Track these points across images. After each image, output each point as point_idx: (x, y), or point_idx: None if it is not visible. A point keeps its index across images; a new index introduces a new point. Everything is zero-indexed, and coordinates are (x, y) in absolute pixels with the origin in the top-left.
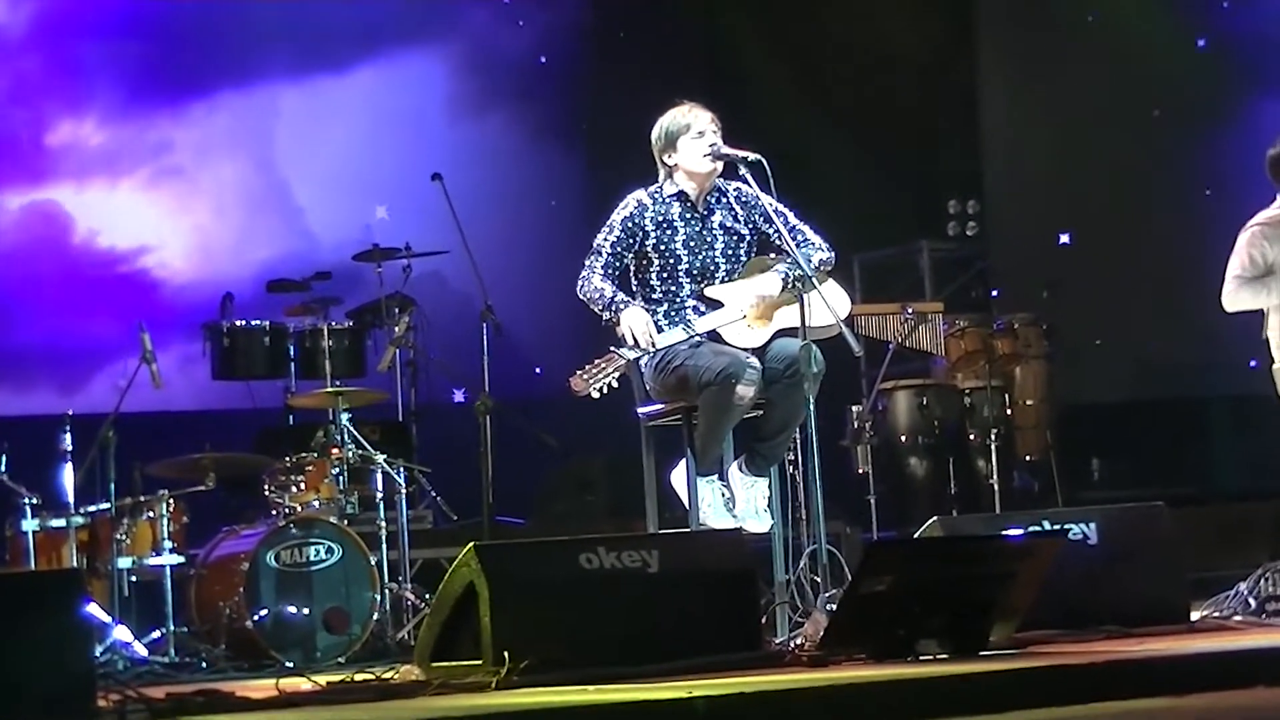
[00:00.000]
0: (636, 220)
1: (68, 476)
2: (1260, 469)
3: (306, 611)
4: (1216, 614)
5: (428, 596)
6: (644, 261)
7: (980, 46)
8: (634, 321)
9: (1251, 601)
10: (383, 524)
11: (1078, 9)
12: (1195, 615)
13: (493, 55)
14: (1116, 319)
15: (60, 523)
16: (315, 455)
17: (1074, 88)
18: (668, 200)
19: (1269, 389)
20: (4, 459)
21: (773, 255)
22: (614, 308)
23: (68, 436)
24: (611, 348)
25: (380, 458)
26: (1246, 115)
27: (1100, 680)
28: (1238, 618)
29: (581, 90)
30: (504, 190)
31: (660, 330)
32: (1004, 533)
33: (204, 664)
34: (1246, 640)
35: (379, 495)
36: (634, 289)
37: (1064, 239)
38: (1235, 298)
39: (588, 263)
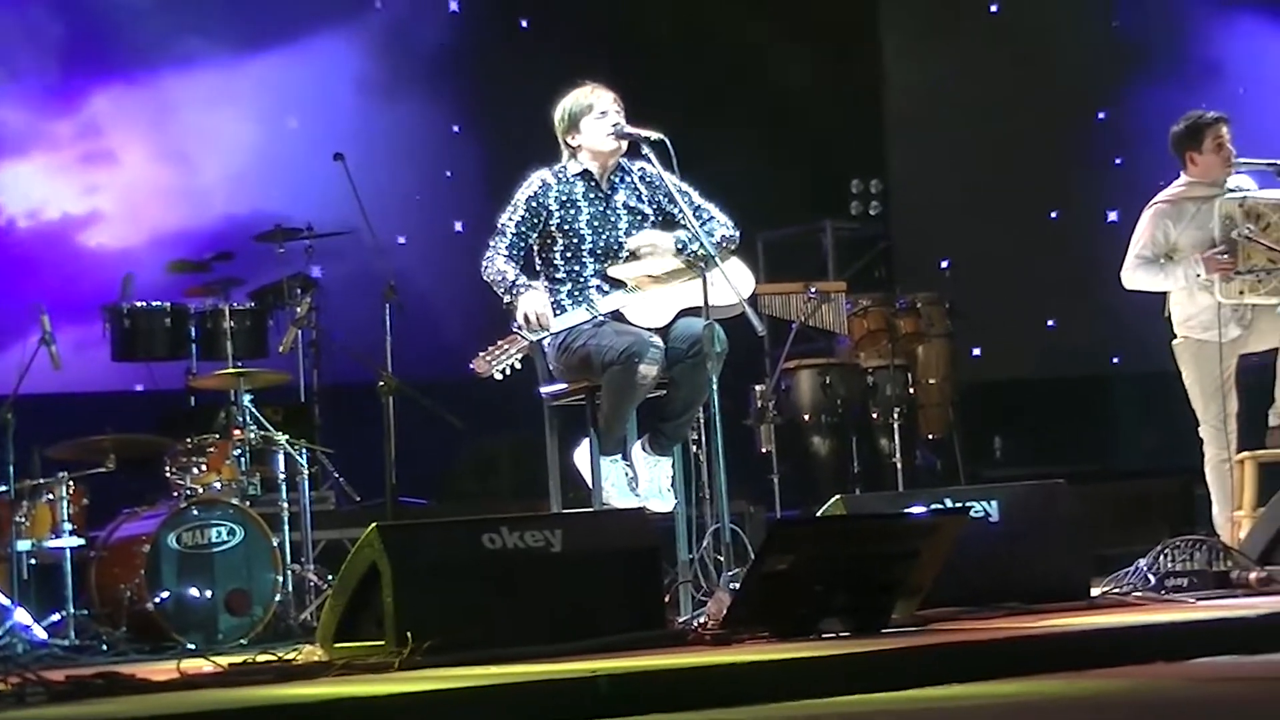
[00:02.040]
0: (540, 199)
1: None
2: (1162, 446)
3: (208, 593)
4: (1116, 591)
5: (330, 578)
6: (548, 241)
7: (884, 25)
8: (531, 304)
9: (1151, 578)
10: (285, 505)
11: None
12: (1095, 592)
13: (401, 37)
14: (1019, 297)
15: None
16: (217, 437)
17: (978, 65)
18: (571, 180)
19: (1170, 364)
20: None
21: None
22: (514, 291)
23: None
24: (514, 328)
25: (282, 439)
26: (1149, 95)
27: (1001, 657)
28: (1137, 594)
29: (486, 72)
30: (409, 171)
31: (563, 310)
32: (907, 511)
33: (104, 647)
34: (1146, 617)
35: (281, 476)
36: (538, 268)
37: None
38: (1134, 276)
39: (491, 243)
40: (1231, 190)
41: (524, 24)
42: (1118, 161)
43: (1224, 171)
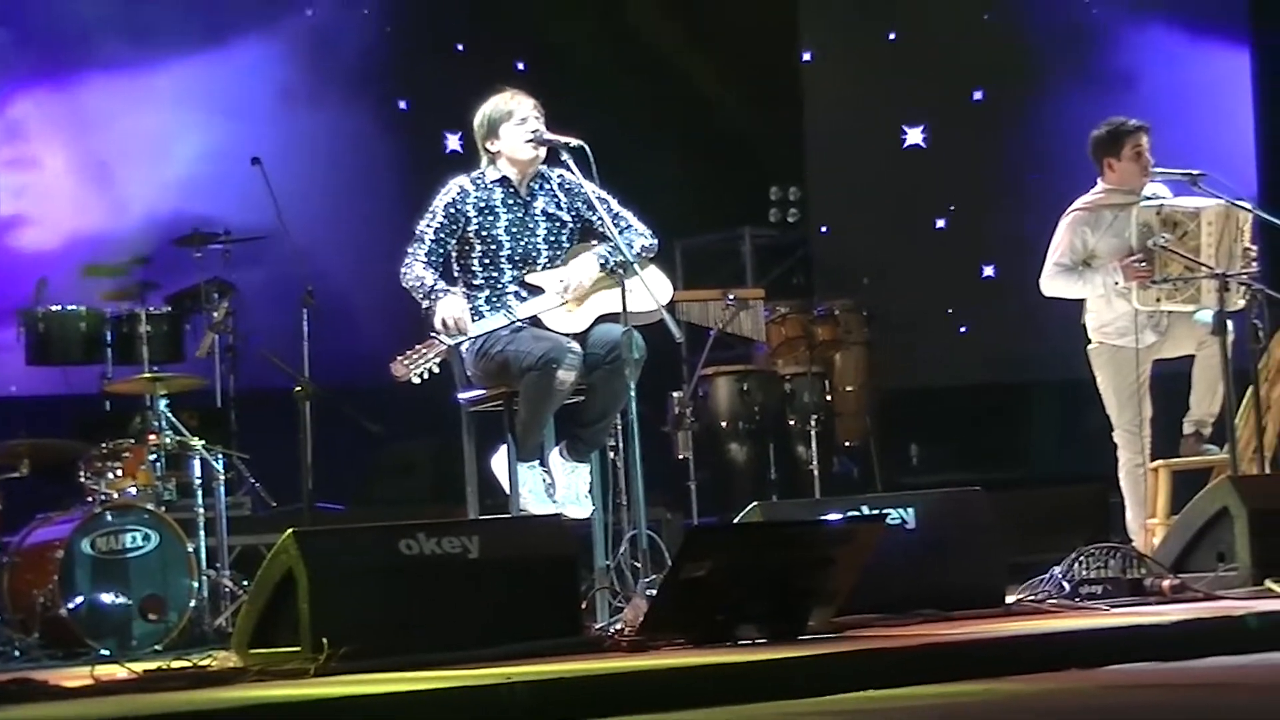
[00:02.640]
0: (459, 206)
1: None
2: (1079, 453)
3: (123, 599)
4: (1031, 598)
5: (246, 583)
6: (466, 247)
7: (803, 33)
8: (449, 310)
9: (1065, 585)
10: (201, 510)
11: None
12: (1011, 599)
13: (326, 44)
14: (935, 305)
15: None
16: (132, 442)
17: (896, 73)
18: (490, 186)
19: (1086, 372)
20: None
21: (595, 242)
22: (433, 296)
23: None
24: (432, 333)
25: (198, 444)
26: (1065, 100)
27: (916, 664)
28: (1052, 601)
29: (408, 76)
30: (328, 176)
31: (481, 316)
32: (823, 518)
33: (17, 653)
34: (1060, 623)
35: (197, 482)
36: (456, 274)
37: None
38: (1053, 283)
39: (410, 250)
40: (1148, 198)
41: (445, 31)
42: (1033, 176)
43: (1141, 180)
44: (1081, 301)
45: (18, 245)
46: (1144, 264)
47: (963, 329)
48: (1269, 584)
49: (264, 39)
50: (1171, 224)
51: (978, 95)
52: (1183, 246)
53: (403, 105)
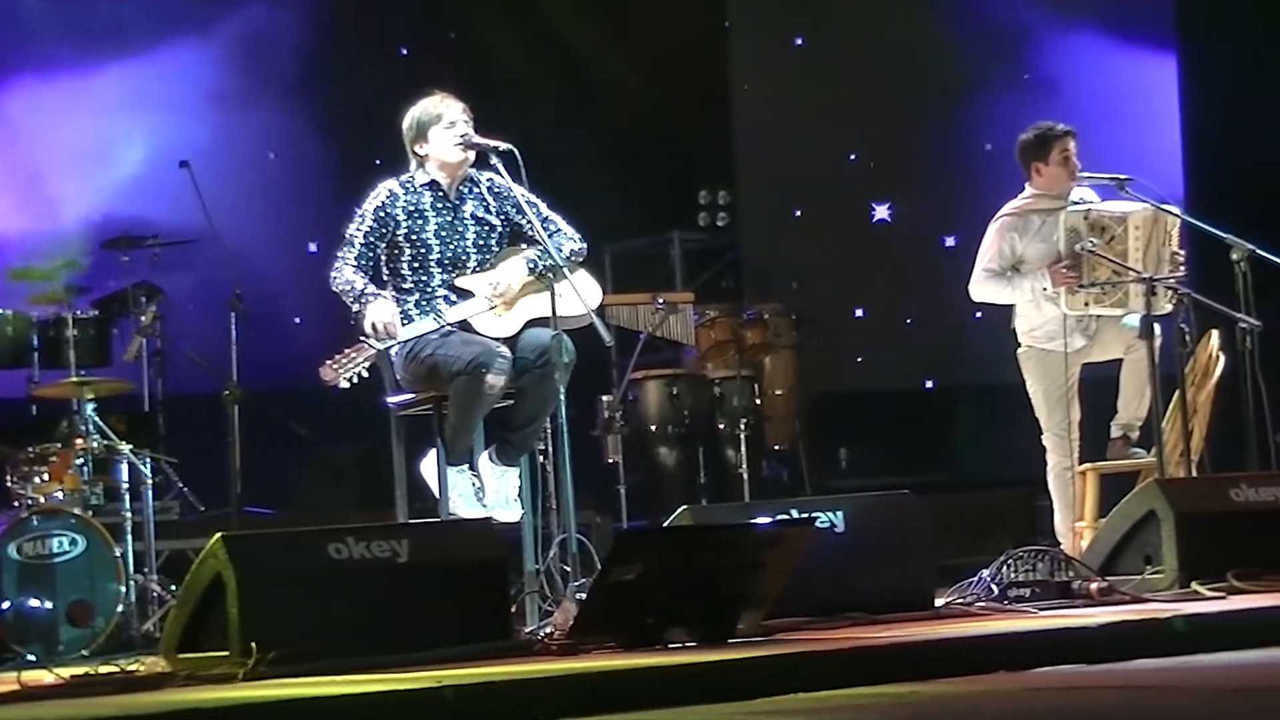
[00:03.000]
0: (388, 209)
1: None
2: (1007, 457)
3: (49, 604)
4: (960, 601)
5: (174, 588)
6: (395, 251)
7: (732, 38)
8: (378, 314)
9: (994, 588)
10: (128, 515)
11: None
12: (940, 602)
13: (257, 47)
14: (864, 309)
15: None
16: (59, 446)
17: (823, 77)
18: (419, 189)
19: (1014, 377)
20: None
21: (524, 245)
22: (363, 300)
23: None
24: (361, 337)
25: (126, 448)
26: (992, 103)
27: (846, 667)
28: (981, 604)
29: (337, 78)
30: (258, 179)
31: (410, 320)
32: (753, 521)
33: None
34: (988, 626)
35: (125, 486)
36: (385, 278)
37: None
38: (982, 288)
39: (340, 254)
40: (1076, 203)
41: (377, 34)
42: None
43: (1068, 184)
44: (1010, 306)
45: None
46: (1071, 269)
47: (891, 332)
48: (1195, 587)
49: (196, 42)
50: (1099, 229)
51: (904, 99)
52: (1110, 251)
53: (334, 108)
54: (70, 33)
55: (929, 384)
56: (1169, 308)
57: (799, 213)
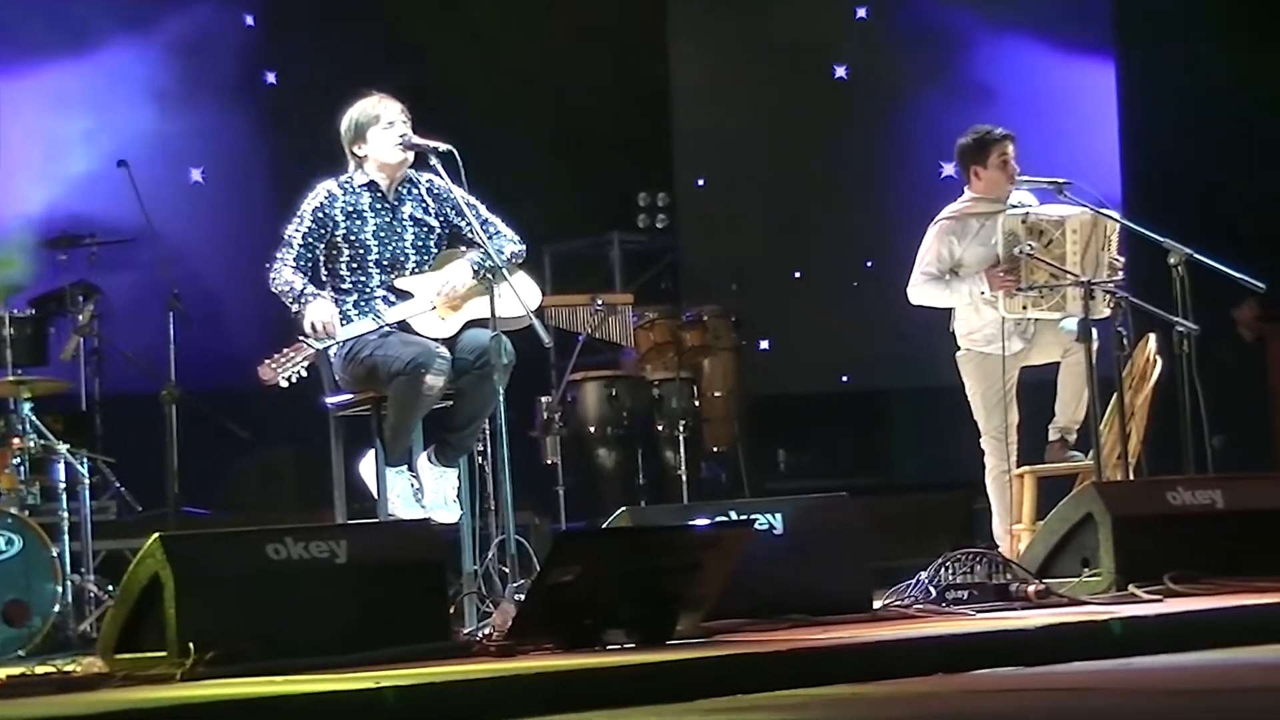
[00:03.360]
0: (326, 210)
1: None
2: (943, 461)
3: None
4: (898, 603)
5: (111, 588)
6: (334, 252)
7: (671, 42)
8: (318, 314)
9: (932, 590)
10: (65, 515)
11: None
12: (878, 604)
13: (196, 45)
14: (803, 312)
15: None
16: None
17: (763, 82)
18: (358, 190)
19: (952, 380)
20: None
21: (463, 247)
22: (302, 300)
23: None
24: (300, 337)
25: (63, 447)
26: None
27: (784, 669)
28: (918, 607)
29: (278, 79)
30: (199, 180)
31: (349, 320)
32: (691, 523)
33: None
34: (926, 629)
35: (61, 486)
36: (324, 279)
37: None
38: (920, 291)
39: (279, 255)
40: (1014, 206)
41: (310, 34)
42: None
43: (1007, 188)
44: (948, 310)
45: None
46: (1009, 272)
47: (830, 336)
48: (1132, 589)
49: (137, 42)
50: (1037, 232)
51: (838, 102)
52: (1048, 254)
53: (274, 108)
54: (7, 31)
55: (868, 387)
56: (1107, 312)
57: (738, 215)
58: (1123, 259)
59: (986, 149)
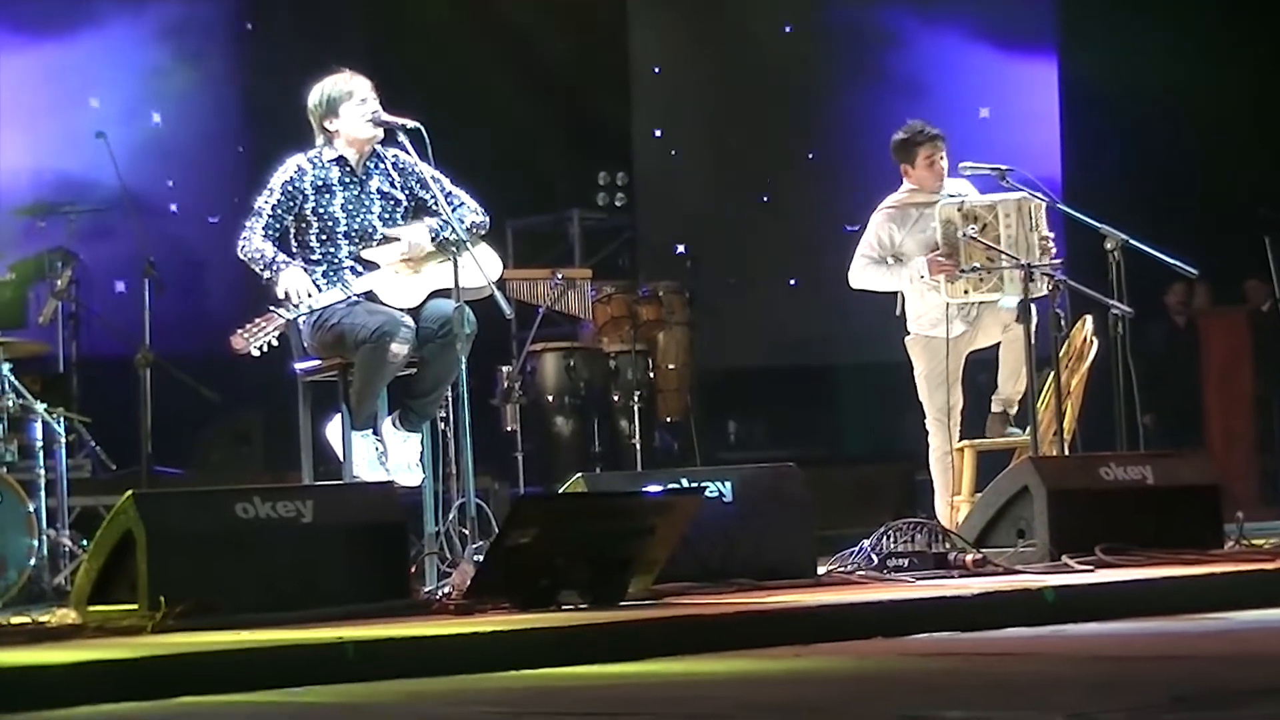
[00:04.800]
0: (296, 184)
1: None
2: (886, 434)
3: None
4: (841, 569)
5: (85, 543)
6: (303, 224)
7: (632, 25)
8: (292, 282)
9: (874, 558)
10: (41, 472)
11: None
12: (822, 570)
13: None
14: (754, 288)
15: None
16: None
17: (719, 65)
18: (327, 165)
19: (896, 357)
20: None
21: (428, 218)
22: (274, 267)
23: None
24: (271, 307)
25: (40, 407)
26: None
27: (731, 631)
28: (861, 573)
29: (251, 56)
30: (172, 151)
31: (319, 290)
32: (644, 489)
33: None
34: (867, 594)
35: (38, 444)
36: (294, 250)
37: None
38: (860, 275)
39: (248, 224)
40: (951, 196)
41: (286, 15)
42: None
43: (935, 186)
44: (894, 295)
45: None
46: (948, 257)
47: (780, 312)
48: (1065, 560)
49: (119, 20)
50: (972, 218)
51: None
52: (985, 238)
53: (246, 84)
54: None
55: (815, 362)
56: (1045, 291)
57: (693, 195)
58: (1051, 234)
59: (913, 150)
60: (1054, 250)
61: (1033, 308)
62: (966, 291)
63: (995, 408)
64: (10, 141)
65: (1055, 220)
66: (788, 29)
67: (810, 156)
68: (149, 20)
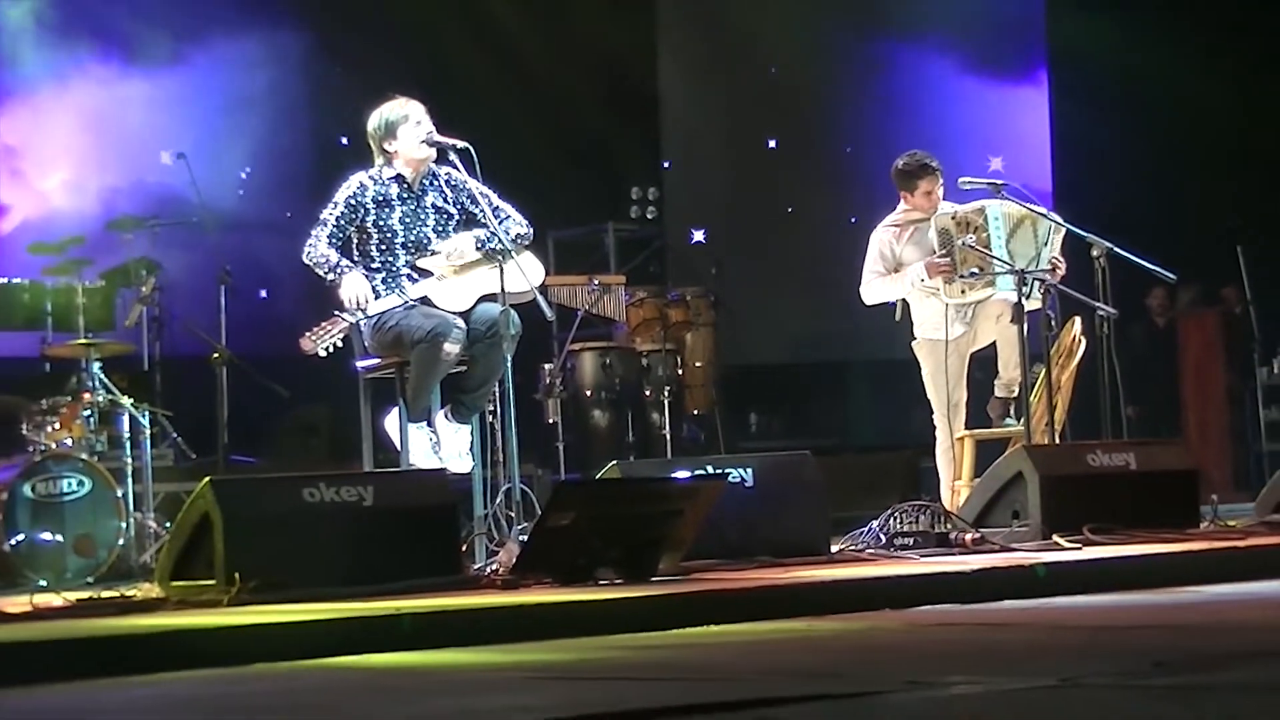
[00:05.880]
0: (358, 198)
1: None
2: (892, 425)
3: (58, 537)
4: (852, 547)
5: (167, 525)
6: (364, 235)
7: (660, 54)
8: (354, 288)
9: (881, 537)
10: (128, 461)
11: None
12: (834, 548)
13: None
14: (773, 293)
15: None
16: (68, 399)
17: (738, 91)
18: (386, 182)
19: (901, 355)
20: None
21: (478, 229)
22: (338, 270)
23: None
24: (335, 312)
25: (127, 402)
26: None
27: (752, 603)
28: (870, 551)
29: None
30: (251, 171)
31: (378, 295)
32: (673, 475)
33: None
34: (876, 570)
35: (125, 435)
36: (355, 259)
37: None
38: (870, 289)
39: (314, 232)
40: (944, 208)
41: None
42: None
43: (930, 212)
44: (895, 304)
45: None
46: (945, 258)
47: (797, 314)
48: (1056, 538)
49: (200, 58)
50: (965, 224)
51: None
52: (977, 242)
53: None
54: (90, 42)
55: (827, 360)
56: (1037, 305)
57: (718, 208)
58: (1064, 261)
59: (913, 181)
60: (1063, 271)
61: (1024, 301)
62: (964, 292)
63: (999, 392)
64: (105, 163)
65: (1061, 238)
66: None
67: (823, 171)
68: (229, 55)
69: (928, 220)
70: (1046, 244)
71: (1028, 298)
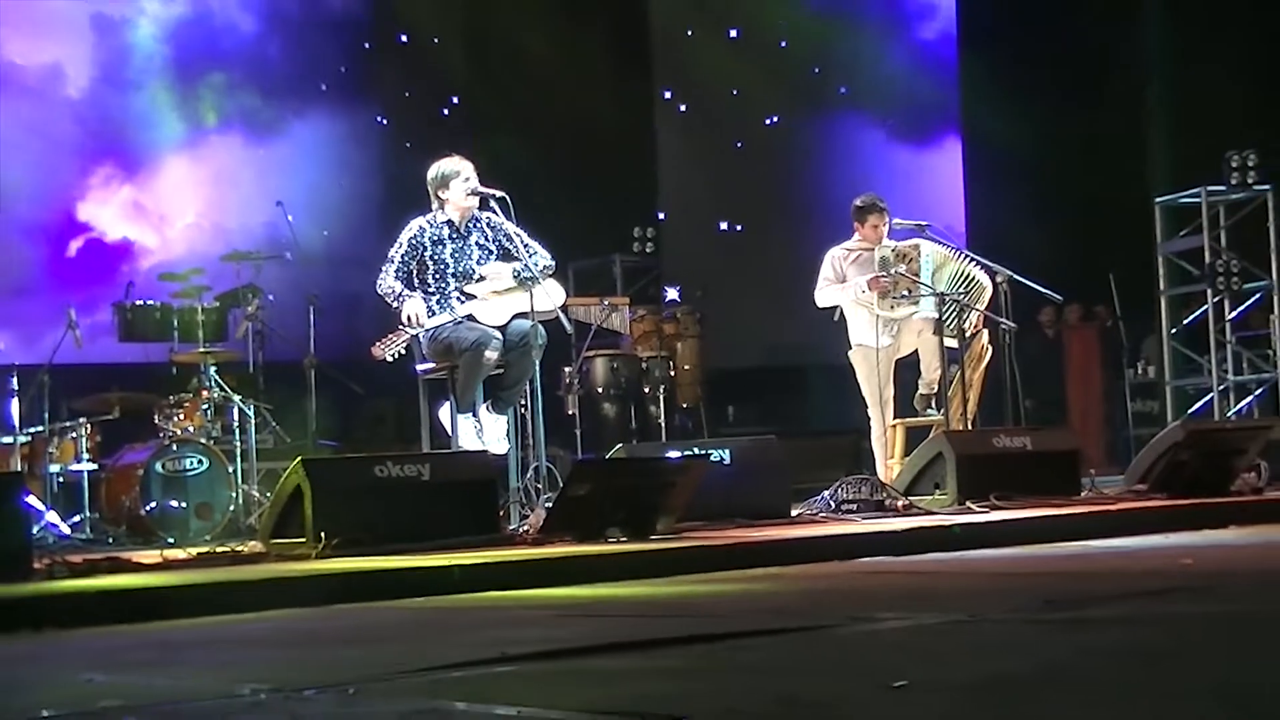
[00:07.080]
0: (418, 239)
1: (14, 408)
2: (841, 415)
3: (183, 504)
4: (808, 512)
5: (268, 495)
6: (422, 267)
7: (656, 112)
8: (413, 309)
9: (831, 504)
10: (237, 444)
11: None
12: (795, 512)
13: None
14: (747, 310)
15: (8, 440)
16: (190, 396)
17: (722, 150)
18: (440, 225)
19: (848, 361)
20: None
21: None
22: (400, 298)
23: (14, 380)
24: (400, 325)
25: (236, 398)
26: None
27: (732, 556)
28: (822, 515)
29: (388, 149)
30: (332, 214)
31: (432, 314)
32: (667, 455)
33: (110, 540)
34: (827, 530)
35: (235, 424)
36: (415, 285)
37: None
38: (822, 294)
39: (384, 269)
40: (887, 242)
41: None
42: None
43: (876, 243)
44: (836, 309)
45: (119, 262)
46: (887, 278)
47: (766, 328)
48: (968, 504)
49: (300, 126)
50: (903, 256)
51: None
52: (910, 271)
53: (385, 169)
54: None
55: (791, 364)
56: (953, 344)
57: (705, 243)
58: (975, 279)
59: (866, 216)
60: (983, 288)
61: (942, 325)
62: (892, 308)
63: (922, 389)
64: (221, 210)
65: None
66: (772, 120)
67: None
68: (322, 127)
69: (873, 250)
70: (963, 274)
71: (944, 318)
